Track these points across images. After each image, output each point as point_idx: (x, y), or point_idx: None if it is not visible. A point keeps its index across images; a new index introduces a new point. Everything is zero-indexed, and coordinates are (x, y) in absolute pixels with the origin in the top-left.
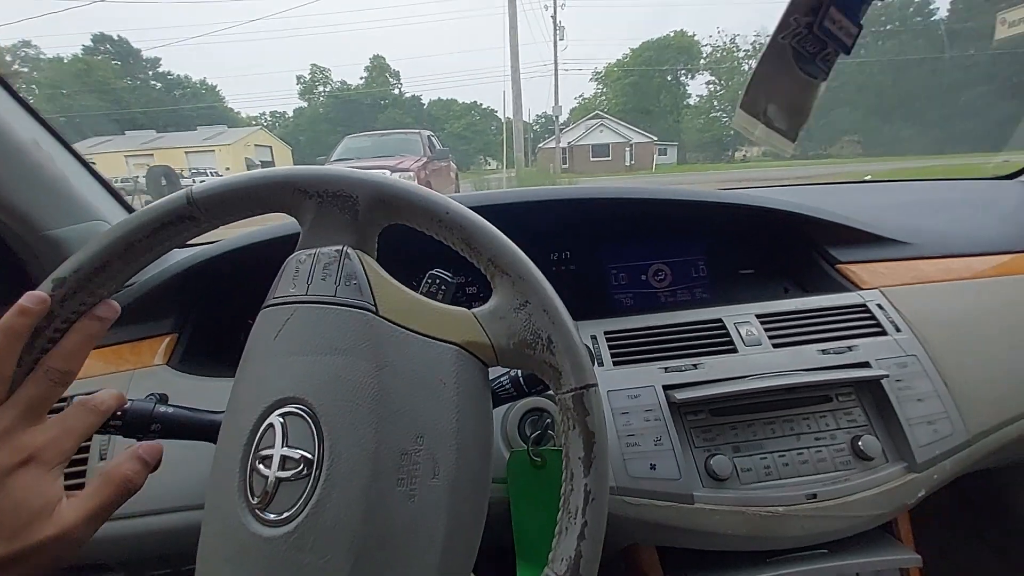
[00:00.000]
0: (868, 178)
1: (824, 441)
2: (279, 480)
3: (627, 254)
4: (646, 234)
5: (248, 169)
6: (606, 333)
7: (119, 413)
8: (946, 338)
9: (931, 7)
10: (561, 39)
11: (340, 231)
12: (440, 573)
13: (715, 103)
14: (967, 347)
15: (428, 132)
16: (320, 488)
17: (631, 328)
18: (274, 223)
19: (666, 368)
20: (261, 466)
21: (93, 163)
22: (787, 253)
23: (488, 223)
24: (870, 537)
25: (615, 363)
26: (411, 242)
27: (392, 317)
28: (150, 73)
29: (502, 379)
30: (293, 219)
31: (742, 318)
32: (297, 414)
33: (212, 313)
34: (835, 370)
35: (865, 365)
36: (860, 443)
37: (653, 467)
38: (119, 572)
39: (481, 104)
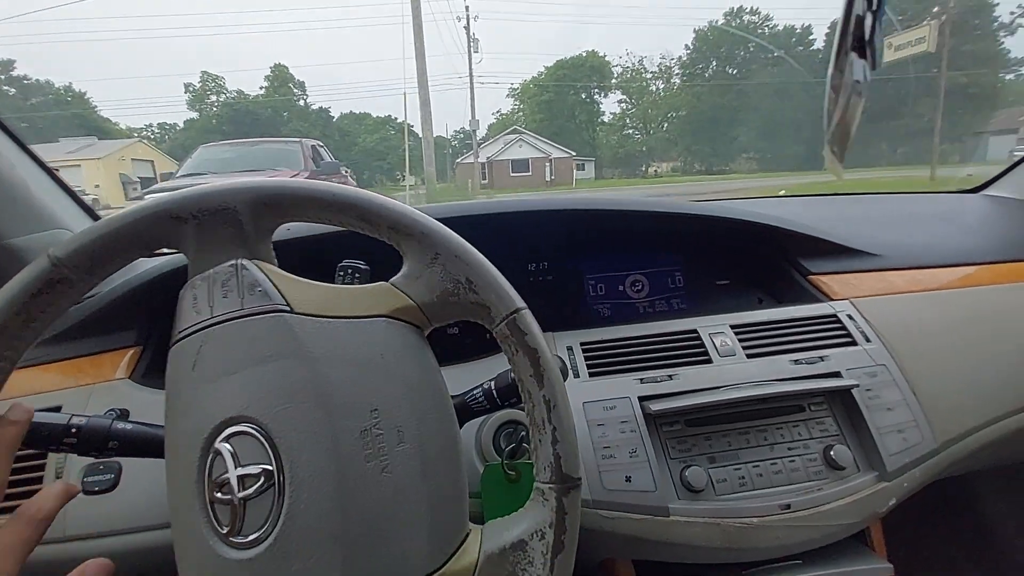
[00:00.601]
0: (782, 193)
1: (797, 451)
2: (244, 500)
3: (604, 265)
4: (623, 245)
5: (123, 186)
6: (582, 344)
7: (74, 430)
8: (914, 348)
9: (810, 37)
10: (476, 51)
11: (228, 246)
12: (434, 533)
13: (627, 120)
14: (934, 357)
15: (313, 142)
16: (288, 494)
17: (607, 339)
18: None
19: (641, 379)
20: (220, 494)
21: (57, 170)
22: (761, 264)
23: (376, 195)
24: (843, 546)
25: (591, 374)
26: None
27: (311, 311)
28: (1, 77)
29: (475, 392)
30: None
31: (716, 329)
32: (243, 432)
33: None
34: (807, 380)
35: (836, 375)
36: (832, 452)
37: (629, 479)
38: None
39: (396, 118)
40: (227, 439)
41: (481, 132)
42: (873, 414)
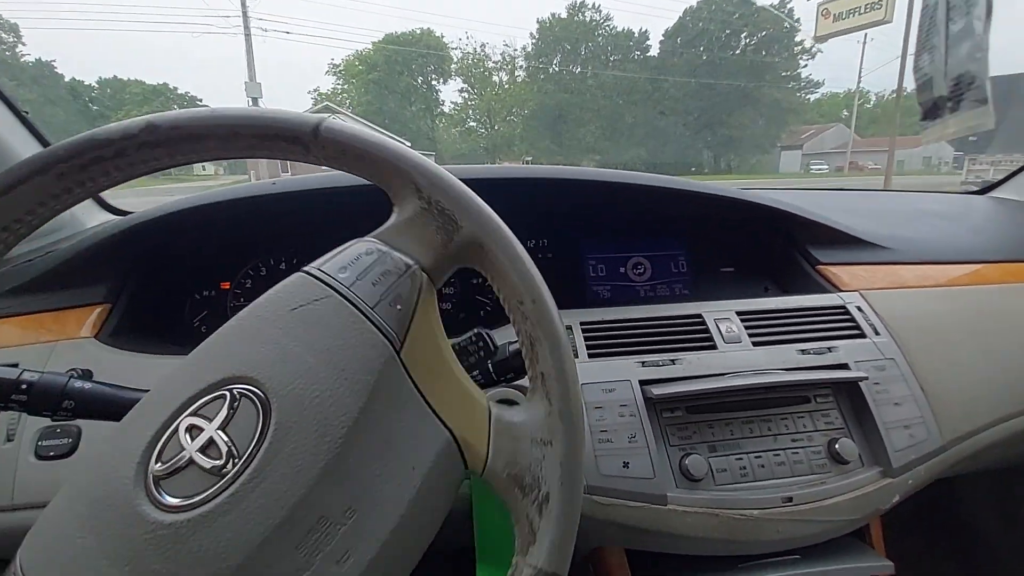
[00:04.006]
0: None
1: (801, 443)
2: (191, 460)
3: (606, 246)
4: (626, 226)
5: None
6: (582, 324)
7: (24, 387)
8: (922, 343)
9: (647, 43)
10: None
11: (424, 245)
12: None
13: (470, 112)
14: (942, 353)
15: None
16: (223, 498)
17: (608, 320)
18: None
19: (643, 363)
20: (186, 435)
21: (26, 112)
22: (768, 252)
23: (564, 337)
24: (842, 543)
25: (590, 355)
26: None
27: (410, 366)
28: None
29: (471, 359)
30: (257, 183)
31: (722, 315)
32: (252, 401)
33: (156, 282)
34: (814, 371)
35: (844, 367)
36: (837, 446)
37: (626, 465)
38: None
39: (176, 88)
40: (240, 394)
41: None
42: (880, 408)
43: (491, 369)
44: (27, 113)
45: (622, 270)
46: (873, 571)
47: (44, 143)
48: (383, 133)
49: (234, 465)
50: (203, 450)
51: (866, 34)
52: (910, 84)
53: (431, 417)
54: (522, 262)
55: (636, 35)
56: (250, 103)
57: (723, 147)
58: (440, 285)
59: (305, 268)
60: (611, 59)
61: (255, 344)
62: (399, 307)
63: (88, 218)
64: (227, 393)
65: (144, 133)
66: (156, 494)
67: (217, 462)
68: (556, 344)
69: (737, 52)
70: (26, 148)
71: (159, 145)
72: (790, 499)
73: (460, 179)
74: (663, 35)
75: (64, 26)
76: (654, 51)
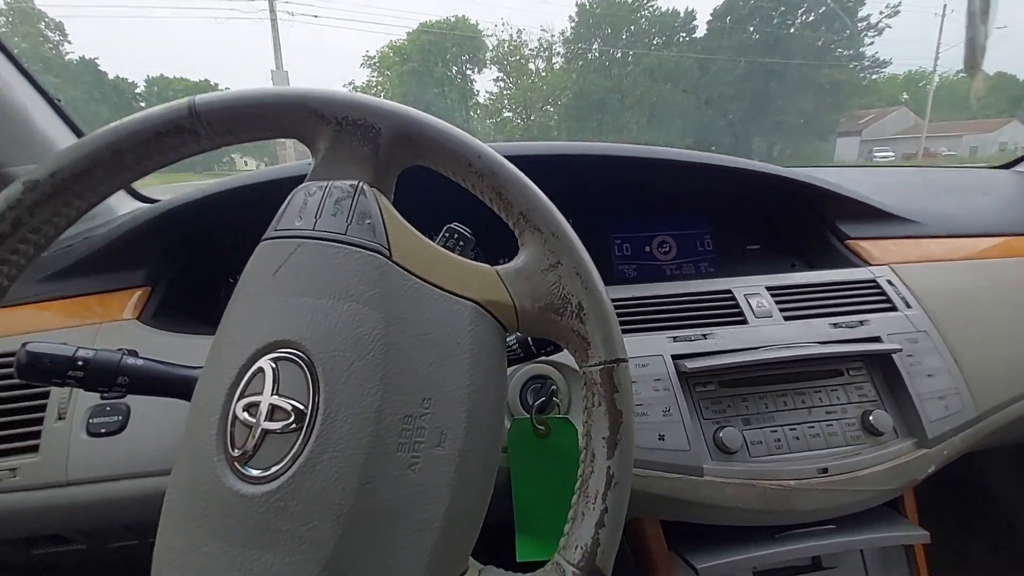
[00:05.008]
0: None
1: (835, 415)
2: (265, 432)
3: (631, 225)
4: (651, 205)
5: None
6: (612, 300)
7: (80, 363)
8: (954, 315)
9: (694, 23)
10: None
11: (357, 165)
12: (435, 555)
13: (505, 102)
14: (974, 325)
15: None
16: (312, 446)
17: (638, 296)
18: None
19: (675, 338)
20: (246, 414)
21: (59, 100)
22: (795, 228)
23: (523, 174)
24: (877, 513)
25: (622, 331)
26: (425, 192)
27: (407, 264)
28: None
29: (508, 338)
30: (288, 164)
31: (752, 290)
32: (292, 360)
33: (193, 266)
34: (846, 344)
35: (876, 340)
36: (871, 418)
37: (662, 438)
38: (78, 543)
39: (217, 84)
40: (275, 360)
41: None
42: (914, 380)
43: (530, 344)
44: (59, 101)
45: (647, 249)
46: (908, 540)
47: (78, 132)
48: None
49: (305, 416)
50: (270, 418)
51: (945, 4)
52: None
53: (449, 297)
54: (451, 134)
55: (682, 15)
56: None
57: (776, 134)
58: (391, 194)
59: (263, 238)
60: (655, 42)
61: (257, 317)
62: (368, 220)
63: (119, 206)
64: (262, 365)
65: (27, 195)
66: (250, 475)
67: (288, 421)
68: (518, 183)
69: (793, 31)
70: (62, 136)
71: (45, 203)
72: (825, 470)
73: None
74: (711, 15)
75: (87, 13)
76: (701, 32)
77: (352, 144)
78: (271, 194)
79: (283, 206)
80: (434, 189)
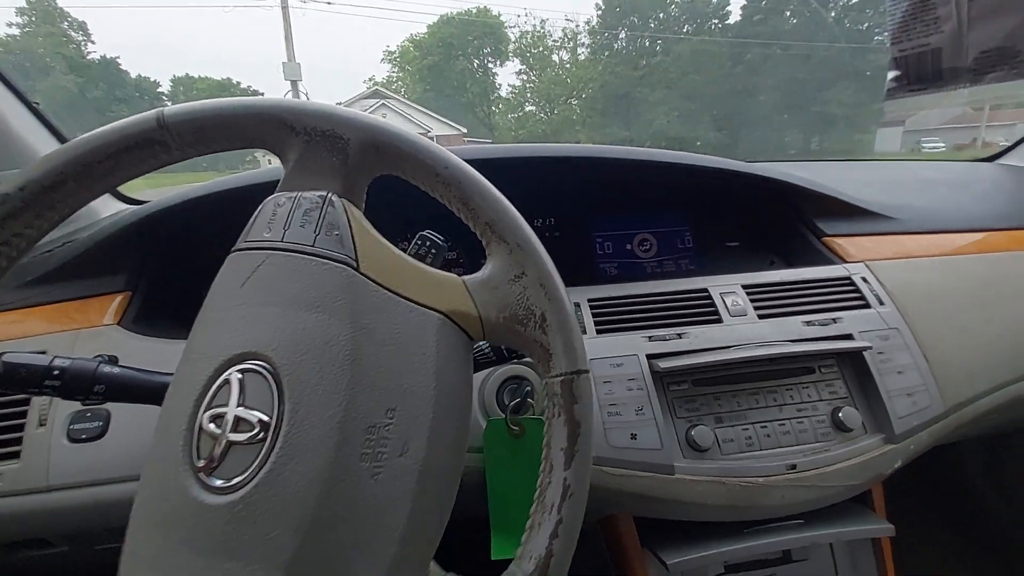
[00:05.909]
0: None
1: (806, 412)
2: (230, 443)
3: (612, 223)
4: (632, 203)
5: None
6: (589, 300)
7: (56, 372)
8: (926, 311)
9: (727, 8)
10: None
11: (326, 175)
12: (397, 560)
13: (528, 95)
14: (945, 320)
15: None
16: (275, 456)
17: (615, 296)
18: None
19: (650, 337)
20: (211, 425)
21: (37, 104)
22: (773, 225)
23: (490, 184)
24: (845, 507)
25: (598, 331)
26: (399, 200)
27: (374, 276)
28: None
29: (482, 343)
30: (268, 167)
31: (728, 288)
32: (258, 372)
33: (173, 270)
34: (818, 341)
35: (848, 337)
36: (840, 414)
37: (634, 437)
38: (62, 546)
39: (240, 83)
40: (242, 372)
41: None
42: (884, 377)
43: (503, 348)
44: (38, 104)
45: (628, 247)
46: (874, 533)
47: (60, 139)
48: (436, 118)
49: (269, 427)
50: (235, 429)
51: None
52: None
53: (415, 307)
54: (419, 144)
55: (714, 1)
56: (290, 88)
57: (815, 126)
58: (361, 204)
59: (232, 250)
60: (685, 29)
61: (225, 329)
62: (336, 232)
63: (103, 208)
64: (228, 377)
65: None
66: (214, 485)
67: (253, 432)
68: (484, 193)
69: (833, 15)
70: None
71: (15, 216)
72: (794, 466)
73: (464, 160)
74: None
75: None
76: (734, 19)
77: (321, 155)
78: (253, 198)
79: (253, 216)
80: (412, 193)
